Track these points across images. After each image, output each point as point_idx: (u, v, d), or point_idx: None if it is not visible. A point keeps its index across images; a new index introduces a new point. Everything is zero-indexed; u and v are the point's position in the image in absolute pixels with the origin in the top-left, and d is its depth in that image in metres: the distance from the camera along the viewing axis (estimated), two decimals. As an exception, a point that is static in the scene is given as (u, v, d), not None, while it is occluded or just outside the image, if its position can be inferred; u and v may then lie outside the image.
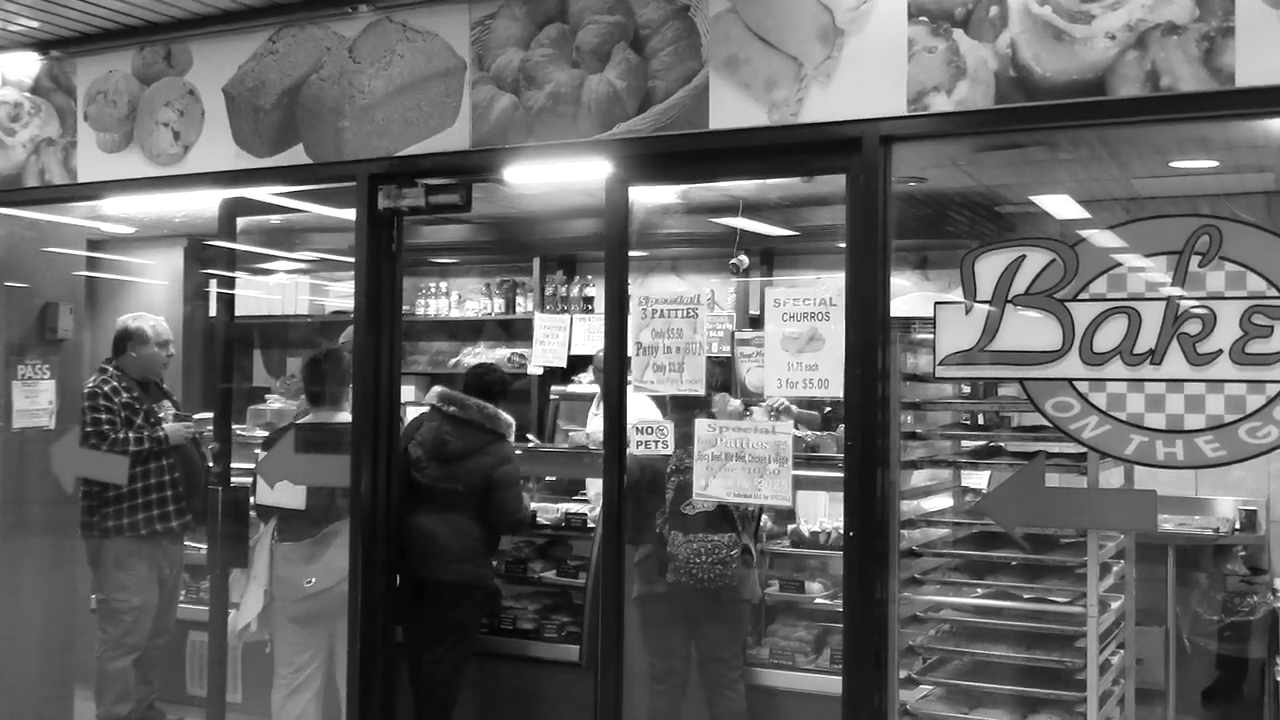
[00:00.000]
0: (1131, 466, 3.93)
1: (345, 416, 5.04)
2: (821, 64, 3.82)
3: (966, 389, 4.64)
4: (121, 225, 7.51)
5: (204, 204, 5.42)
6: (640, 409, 6.25)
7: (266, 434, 5.81)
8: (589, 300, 8.89)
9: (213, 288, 5.51)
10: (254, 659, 5.60)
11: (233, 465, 5.37)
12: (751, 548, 5.07)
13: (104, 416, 5.60)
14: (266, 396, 7.53)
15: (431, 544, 5.22)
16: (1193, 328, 3.39)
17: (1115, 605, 4.20)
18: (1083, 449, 3.64)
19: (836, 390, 3.95)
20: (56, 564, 6.07)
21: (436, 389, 5.56)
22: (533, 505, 5.86)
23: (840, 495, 3.95)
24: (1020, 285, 3.59)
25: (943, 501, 4.76)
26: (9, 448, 5.84)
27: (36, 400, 5.84)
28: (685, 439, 4.38)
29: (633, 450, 4.34)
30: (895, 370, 3.92)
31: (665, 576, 4.97)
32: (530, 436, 7.52)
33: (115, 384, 5.70)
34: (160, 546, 5.74)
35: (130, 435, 5.61)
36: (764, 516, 5.24)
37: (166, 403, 5.92)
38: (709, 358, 4.29)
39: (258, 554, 5.28)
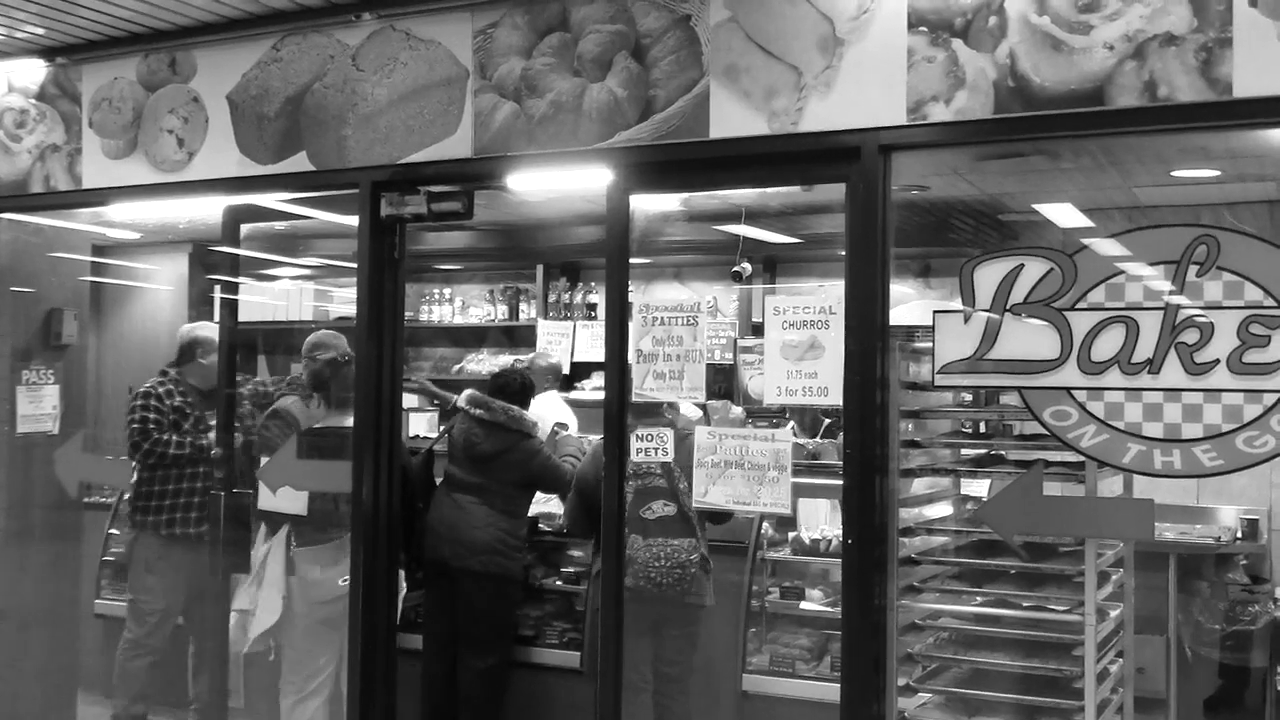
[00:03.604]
0: (1131, 475, 3.92)
1: (351, 421, 5.08)
2: (821, 73, 3.84)
3: (967, 397, 4.65)
4: (127, 231, 7.55)
5: (208, 210, 5.44)
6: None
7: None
8: (592, 307, 8.92)
9: (217, 293, 5.53)
10: (256, 665, 5.63)
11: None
12: (706, 554, 5.11)
13: (152, 416, 5.70)
14: (271, 403, 7.54)
15: (468, 537, 5.45)
16: (1190, 337, 3.40)
17: (1114, 614, 4.19)
18: (1081, 458, 3.64)
19: (836, 398, 3.95)
20: (60, 569, 6.10)
21: (467, 392, 5.82)
22: (533, 510, 5.91)
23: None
24: (1019, 294, 3.59)
25: (942, 509, 4.77)
26: (13, 453, 5.86)
27: (41, 405, 5.88)
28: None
29: (633, 457, 4.35)
30: (895, 378, 3.92)
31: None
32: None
33: (171, 388, 5.83)
34: (190, 551, 5.77)
35: (173, 439, 5.72)
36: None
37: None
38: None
39: (270, 561, 5.29)
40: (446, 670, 5.56)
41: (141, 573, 5.83)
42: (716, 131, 4.02)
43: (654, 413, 4.63)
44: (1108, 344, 3.48)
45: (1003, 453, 4.27)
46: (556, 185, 4.94)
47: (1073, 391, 3.53)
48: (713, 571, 5.16)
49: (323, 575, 5.19)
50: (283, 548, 5.26)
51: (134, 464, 5.83)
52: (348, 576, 5.05)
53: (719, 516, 5.08)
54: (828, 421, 6.88)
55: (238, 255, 5.45)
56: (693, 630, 5.21)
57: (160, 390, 5.78)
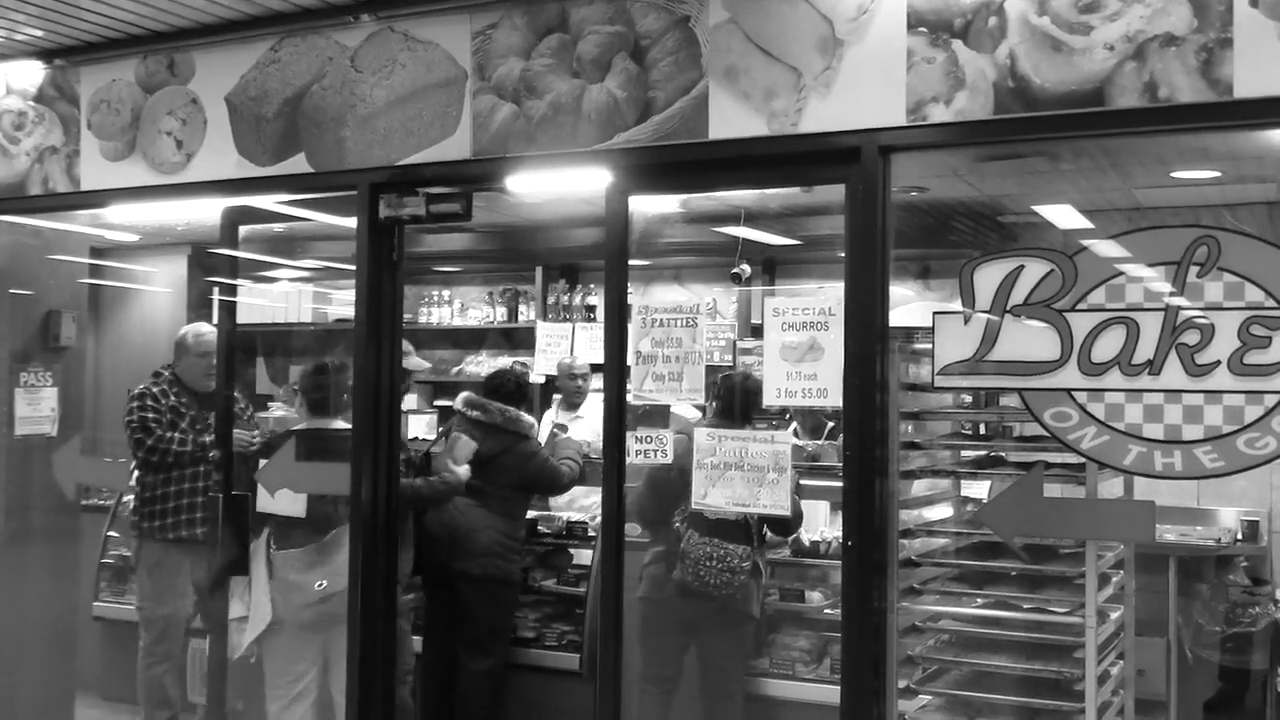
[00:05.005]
0: (1132, 477, 3.92)
1: (340, 424, 5.07)
2: (821, 74, 3.83)
3: (967, 399, 4.64)
4: (125, 233, 7.54)
5: (207, 212, 5.43)
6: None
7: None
8: (591, 309, 8.91)
9: (216, 295, 5.52)
10: (253, 670, 5.61)
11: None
12: (761, 564, 5.08)
13: (150, 415, 5.68)
14: (269, 404, 7.55)
15: (466, 539, 5.47)
16: (1191, 338, 3.39)
17: (1114, 616, 4.19)
18: (1082, 459, 3.63)
19: (835, 400, 3.95)
20: (58, 572, 6.09)
21: (463, 395, 5.81)
22: (532, 512, 5.91)
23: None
24: (1019, 295, 3.59)
25: (942, 511, 4.76)
26: (11, 455, 5.85)
27: (39, 408, 5.87)
28: None
29: (631, 459, 4.34)
30: (894, 380, 3.91)
31: (672, 574, 4.98)
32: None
33: (165, 387, 5.79)
34: (192, 555, 5.71)
35: (175, 436, 5.68)
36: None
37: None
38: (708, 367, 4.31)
39: (256, 564, 5.26)
40: (445, 672, 5.55)
41: (144, 579, 5.82)
42: (716, 133, 4.01)
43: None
44: (1108, 345, 3.47)
45: (1003, 454, 4.26)
46: (555, 187, 4.94)
47: (1073, 393, 3.52)
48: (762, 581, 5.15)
49: (300, 579, 5.13)
50: (264, 552, 5.23)
51: (134, 466, 5.81)
52: (324, 581, 5.05)
53: (781, 526, 5.01)
54: (830, 424, 6.87)
55: (236, 257, 5.44)
56: (739, 638, 5.17)
57: (155, 390, 5.75)
